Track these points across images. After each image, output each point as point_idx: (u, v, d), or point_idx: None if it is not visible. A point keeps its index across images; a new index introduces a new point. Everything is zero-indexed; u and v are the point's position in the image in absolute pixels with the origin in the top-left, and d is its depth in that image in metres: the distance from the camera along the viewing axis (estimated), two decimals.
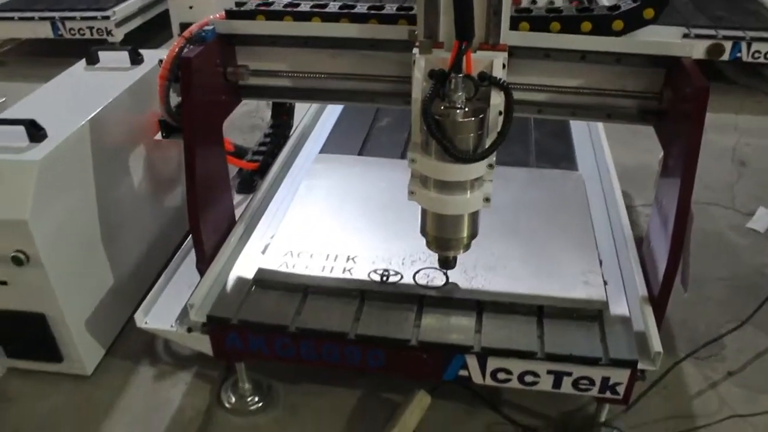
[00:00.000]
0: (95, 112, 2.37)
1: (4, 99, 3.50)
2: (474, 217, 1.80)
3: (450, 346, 1.91)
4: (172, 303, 2.19)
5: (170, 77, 2.07)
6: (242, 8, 2.12)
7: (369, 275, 2.12)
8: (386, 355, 1.99)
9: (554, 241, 2.25)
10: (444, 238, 1.83)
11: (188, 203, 2.08)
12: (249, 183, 2.92)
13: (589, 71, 1.96)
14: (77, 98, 2.50)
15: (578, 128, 3.12)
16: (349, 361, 2.03)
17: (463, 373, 1.97)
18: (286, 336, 2.00)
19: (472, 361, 1.93)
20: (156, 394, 2.36)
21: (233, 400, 2.29)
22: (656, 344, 1.84)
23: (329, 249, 2.24)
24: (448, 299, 2.04)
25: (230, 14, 2.11)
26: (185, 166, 2.04)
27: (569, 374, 1.90)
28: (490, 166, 1.67)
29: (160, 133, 2.29)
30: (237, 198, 2.84)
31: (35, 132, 2.18)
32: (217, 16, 2.11)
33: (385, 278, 2.11)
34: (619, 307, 2.02)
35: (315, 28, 2.05)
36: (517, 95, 1.97)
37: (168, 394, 2.36)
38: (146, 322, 2.14)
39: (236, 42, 2.16)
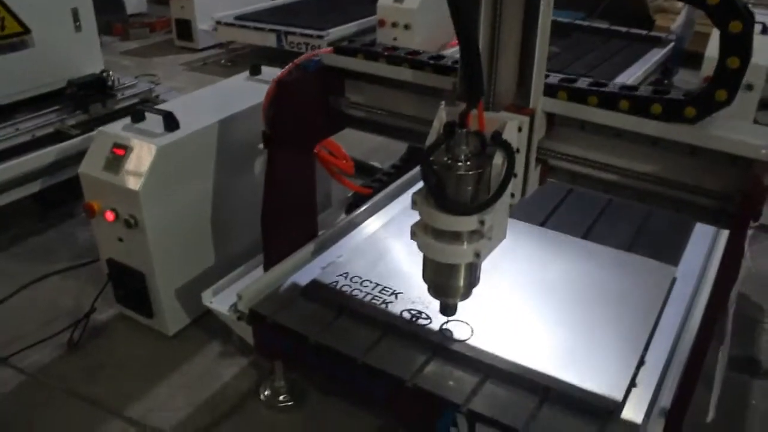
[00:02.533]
0: (227, 115, 2.74)
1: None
2: (470, 267, 1.81)
3: (440, 399, 1.92)
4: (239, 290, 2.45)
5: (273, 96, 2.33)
6: (349, 45, 2.33)
7: (401, 312, 2.20)
8: (386, 390, 2.05)
9: (603, 328, 2.13)
10: (440, 284, 1.86)
11: (262, 213, 2.32)
12: (359, 206, 3.09)
13: (659, 158, 1.86)
14: (222, 101, 2.89)
15: None
16: (357, 386, 2.13)
17: (453, 431, 1.96)
18: (307, 346, 2.15)
19: (461, 422, 1.92)
20: (213, 368, 2.65)
21: (267, 393, 2.49)
22: None
23: (381, 280, 2.35)
24: (462, 355, 2.04)
25: (337, 50, 2.34)
26: (265, 177, 2.29)
27: None
28: (482, 222, 1.65)
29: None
30: (343, 218, 3.03)
31: (170, 122, 2.59)
32: (326, 50, 2.35)
33: (414, 319, 2.17)
34: (635, 415, 1.87)
35: (401, 73, 2.21)
36: (582, 170, 1.98)
37: (222, 371, 2.63)
38: (211, 302, 2.43)
39: (344, 75, 2.39)
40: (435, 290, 1.89)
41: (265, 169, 2.34)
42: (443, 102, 1.76)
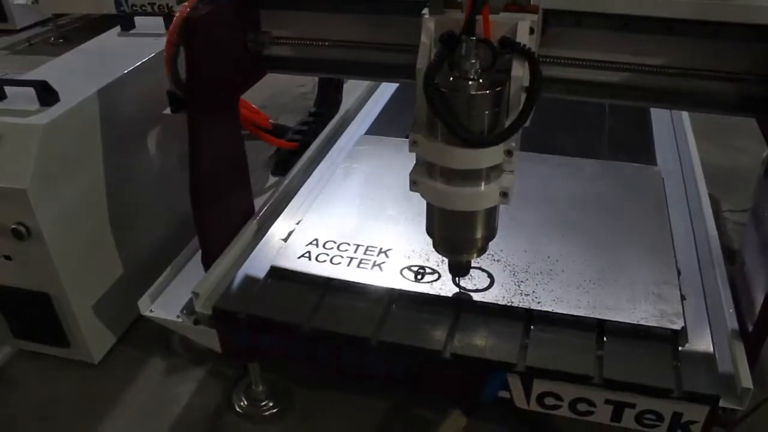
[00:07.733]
0: (115, 77, 2.18)
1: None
2: (490, 214, 1.51)
3: (488, 362, 1.60)
4: (183, 290, 1.95)
5: (178, 41, 1.75)
6: None
7: (401, 272, 1.83)
8: (414, 367, 1.70)
9: (623, 243, 1.90)
10: (453, 239, 1.54)
11: (192, 189, 1.82)
12: (286, 164, 2.66)
13: (675, 46, 1.58)
14: (103, 64, 2.31)
15: (659, 117, 2.74)
16: (371, 370, 1.76)
17: (503, 394, 1.66)
18: (299, 337, 1.73)
19: (514, 382, 1.62)
20: (164, 390, 2.15)
21: (245, 403, 2.05)
22: (745, 378, 1.48)
23: (360, 239, 1.97)
24: (491, 306, 1.72)
25: None
26: (189, 146, 1.79)
27: (632, 406, 1.56)
28: (508, 152, 1.36)
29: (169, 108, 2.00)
30: (271, 180, 2.59)
31: (46, 95, 2.00)
32: None
33: (419, 277, 1.82)
34: (698, 329, 1.66)
35: None
36: (582, 74, 1.68)
37: (176, 390, 2.14)
38: (151, 310, 1.93)
39: (259, 5, 1.90)
40: (445, 247, 1.58)
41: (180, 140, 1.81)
42: (426, 10, 1.41)
